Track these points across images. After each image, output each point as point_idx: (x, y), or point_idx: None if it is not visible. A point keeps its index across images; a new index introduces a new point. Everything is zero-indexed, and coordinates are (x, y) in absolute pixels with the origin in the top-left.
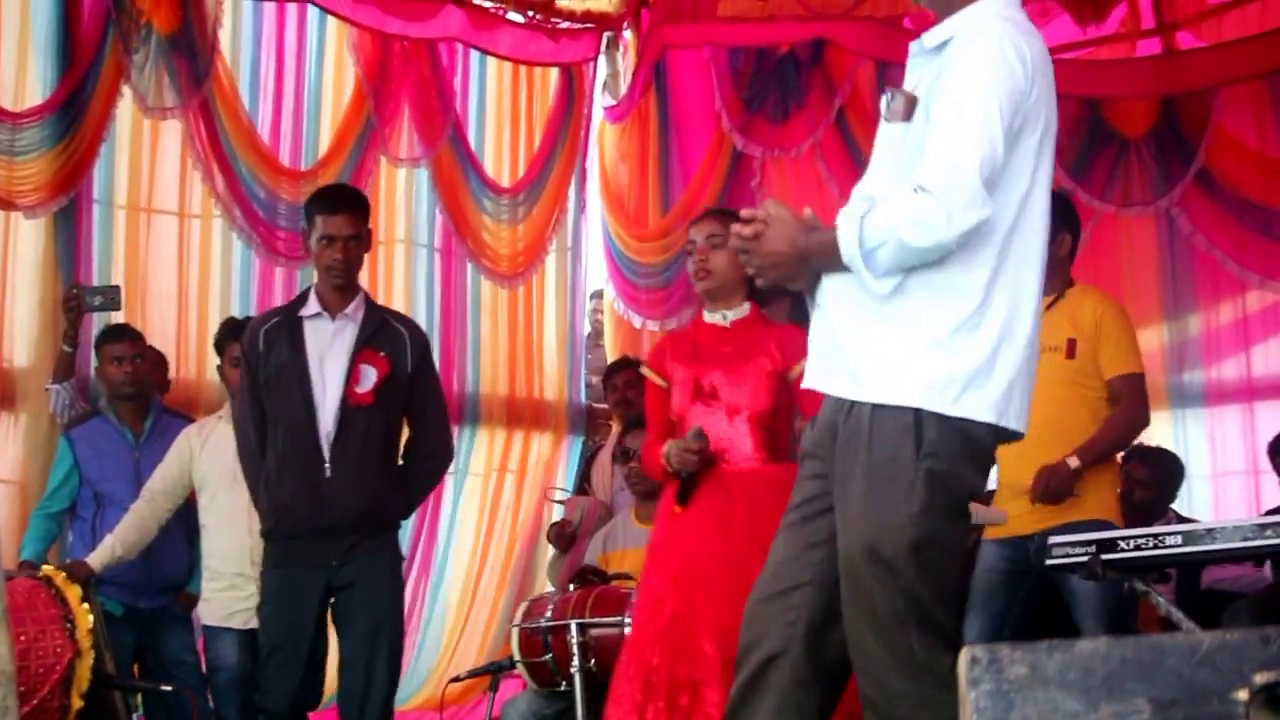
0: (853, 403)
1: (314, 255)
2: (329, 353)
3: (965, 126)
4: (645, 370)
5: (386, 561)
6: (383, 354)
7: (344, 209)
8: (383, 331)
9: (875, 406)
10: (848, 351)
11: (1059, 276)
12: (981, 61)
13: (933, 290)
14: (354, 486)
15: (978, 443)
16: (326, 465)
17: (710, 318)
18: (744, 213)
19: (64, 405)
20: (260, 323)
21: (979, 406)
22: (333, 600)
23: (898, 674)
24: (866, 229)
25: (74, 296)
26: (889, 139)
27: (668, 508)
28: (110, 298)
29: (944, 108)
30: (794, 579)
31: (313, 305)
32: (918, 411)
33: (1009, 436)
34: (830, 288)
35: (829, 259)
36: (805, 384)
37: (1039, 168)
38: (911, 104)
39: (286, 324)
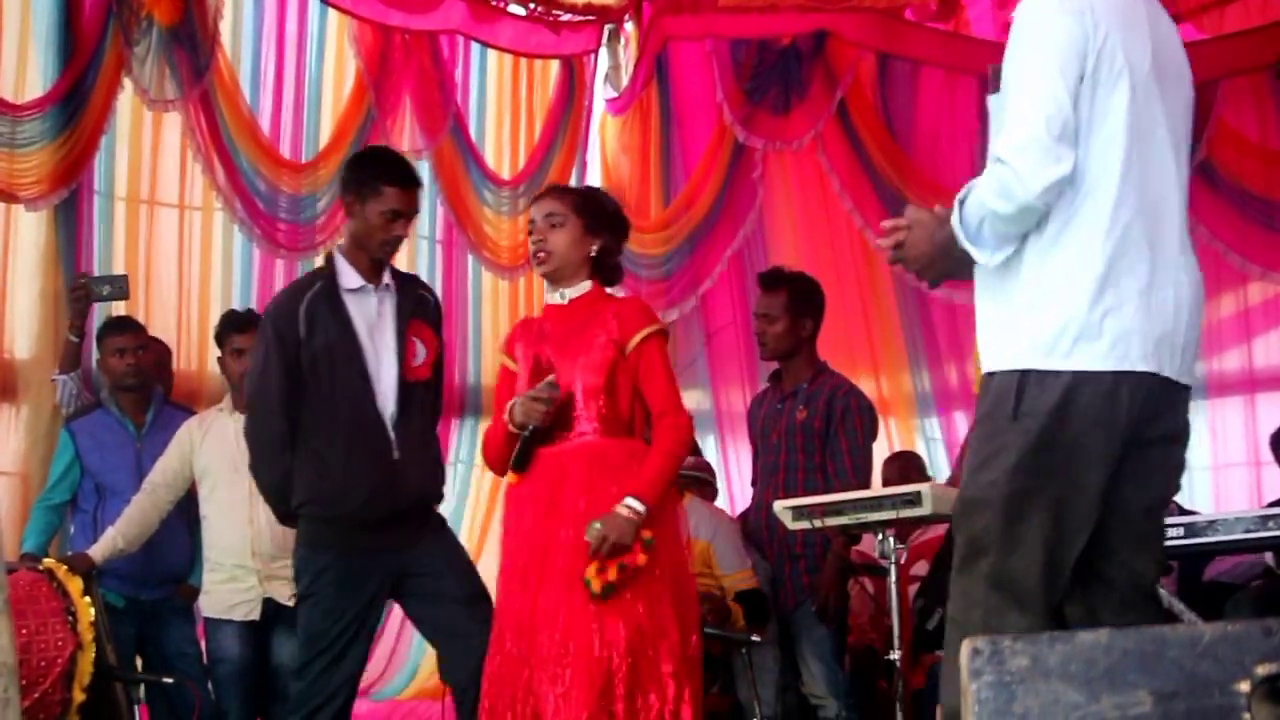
0: (988, 374)
1: (366, 224)
2: (378, 327)
3: (1026, 88)
4: (501, 356)
5: (451, 534)
6: (427, 325)
7: (416, 185)
8: (420, 302)
9: (989, 375)
10: (982, 329)
11: None
12: (1035, 21)
13: (1039, 252)
14: (422, 466)
15: (1101, 396)
16: (394, 447)
17: (550, 298)
18: (885, 224)
19: (70, 396)
20: (293, 300)
21: (1093, 356)
22: (398, 583)
23: (968, 629)
24: (966, 210)
25: (81, 286)
26: (993, 112)
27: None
28: (118, 287)
29: (1009, 76)
30: None
31: (352, 277)
32: (1024, 373)
33: (1161, 382)
34: (976, 274)
35: (960, 244)
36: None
37: (1134, 111)
38: (998, 75)
39: (327, 299)
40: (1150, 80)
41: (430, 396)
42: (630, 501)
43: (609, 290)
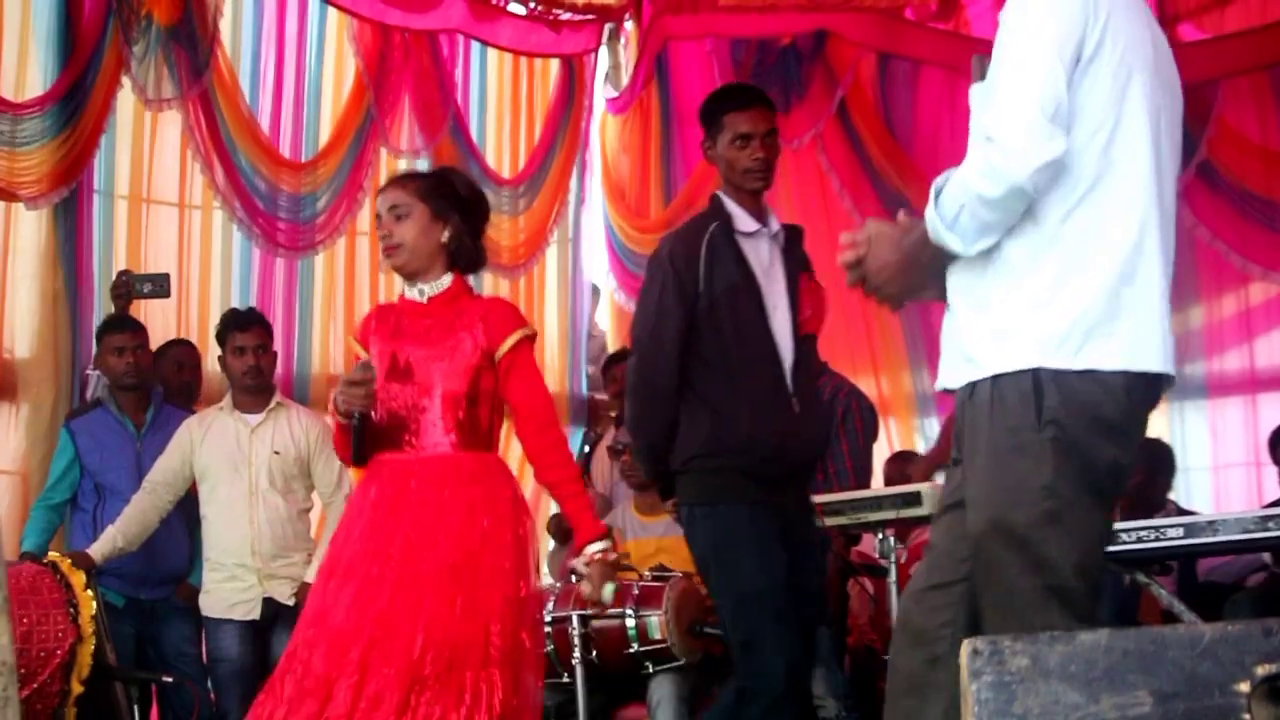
0: (973, 384)
1: (726, 161)
2: (770, 273)
3: (1017, 67)
4: (349, 340)
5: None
6: (811, 278)
7: (756, 102)
8: (802, 246)
9: (993, 379)
10: (962, 337)
11: None
12: (1026, 2)
13: (1029, 244)
14: (817, 423)
15: (1114, 398)
16: (794, 401)
17: (409, 294)
18: (843, 238)
19: (104, 390)
20: (693, 239)
21: (1105, 353)
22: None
23: None
24: (943, 200)
25: (124, 283)
26: (974, 104)
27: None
28: (159, 285)
29: (999, 58)
30: (952, 573)
31: (745, 220)
32: (1036, 373)
33: (1162, 382)
34: (951, 282)
35: (931, 247)
36: (937, 386)
37: (1128, 98)
38: (984, 66)
39: (726, 239)
40: (1141, 69)
41: (815, 352)
42: (595, 547)
43: (470, 280)
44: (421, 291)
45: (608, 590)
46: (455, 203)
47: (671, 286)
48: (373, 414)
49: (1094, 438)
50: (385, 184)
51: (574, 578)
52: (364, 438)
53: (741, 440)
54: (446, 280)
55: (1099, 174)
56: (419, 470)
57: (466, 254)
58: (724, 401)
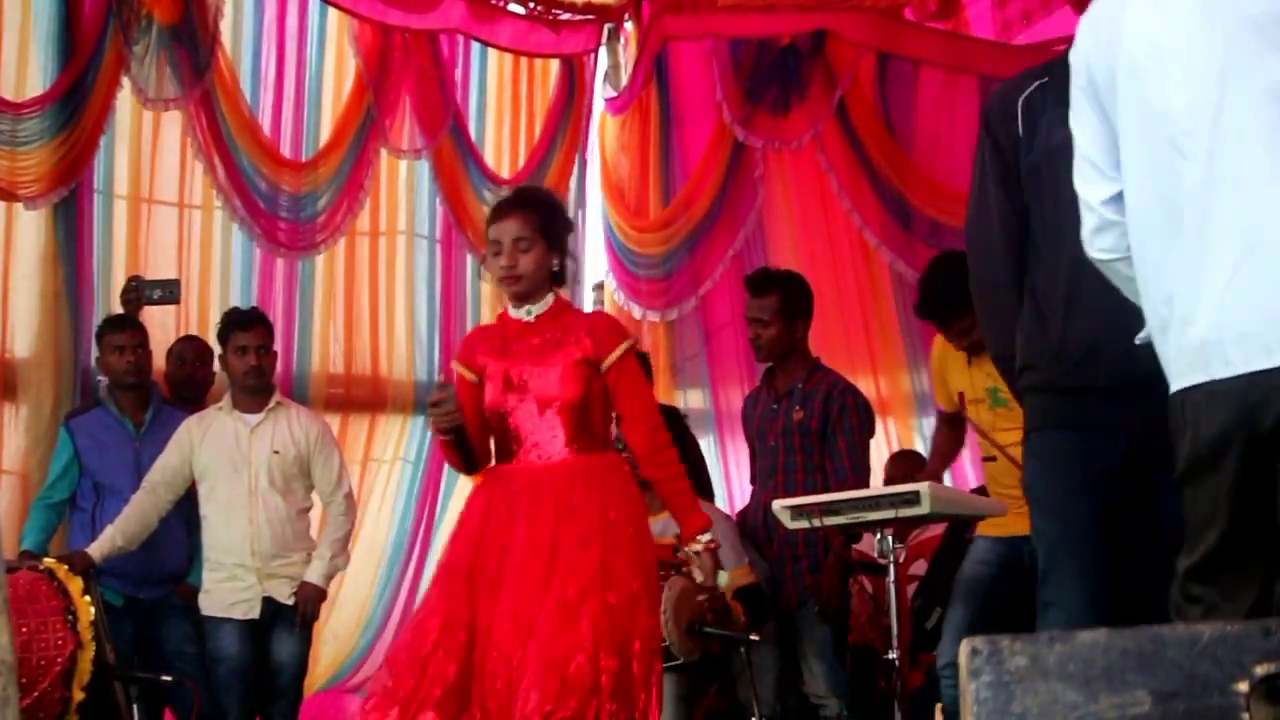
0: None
1: None
2: None
3: None
4: (456, 365)
5: None
6: None
7: None
8: None
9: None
10: None
11: None
12: None
13: None
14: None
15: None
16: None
17: (515, 314)
18: None
19: (103, 389)
20: (1015, 90)
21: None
22: None
23: None
24: None
25: (134, 289)
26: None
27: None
28: (169, 291)
29: None
30: None
31: None
32: None
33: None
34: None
35: None
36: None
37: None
38: None
39: (1059, 89)
40: (1127, 77)
41: None
42: (706, 536)
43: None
44: (529, 311)
45: (722, 577)
46: (563, 235)
47: (994, 147)
48: (464, 426)
49: None
50: (505, 209)
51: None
52: (468, 450)
53: (1054, 342)
54: (550, 299)
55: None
56: (545, 478)
57: (564, 272)
58: (1047, 293)
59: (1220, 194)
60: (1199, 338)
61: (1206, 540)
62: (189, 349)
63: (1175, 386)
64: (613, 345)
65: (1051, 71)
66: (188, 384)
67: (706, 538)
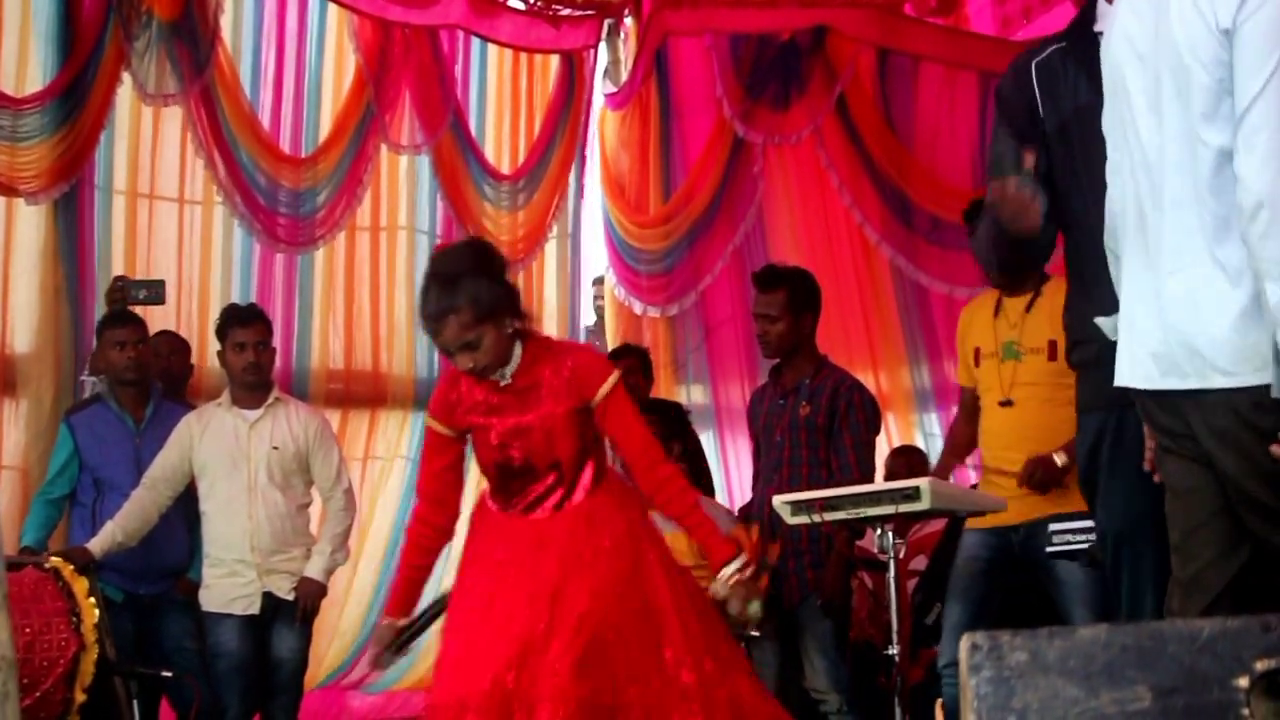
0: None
1: None
2: None
3: None
4: (429, 420)
5: None
6: None
7: None
8: None
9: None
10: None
11: (1034, 275)
12: None
13: None
14: None
15: None
16: None
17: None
18: None
19: (103, 385)
20: (1028, 56)
21: None
22: None
23: None
24: None
25: (119, 289)
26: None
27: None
28: (155, 291)
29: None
30: None
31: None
32: None
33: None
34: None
35: None
36: None
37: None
38: None
39: (1078, 52)
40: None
41: None
42: (732, 566)
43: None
44: (503, 375)
45: (753, 607)
46: (508, 299)
47: (1006, 111)
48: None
49: None
50: (436, 316)
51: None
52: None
53: (1081, 313)
54: (518, 353)
55: None
56: (566, 524)
57: (523, 318)
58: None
59: None
60: None
61: None
62: (163, 343)
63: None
64: (598, 385)
65: (1069, 37)
66: (164, 378)
67: (729, 571)
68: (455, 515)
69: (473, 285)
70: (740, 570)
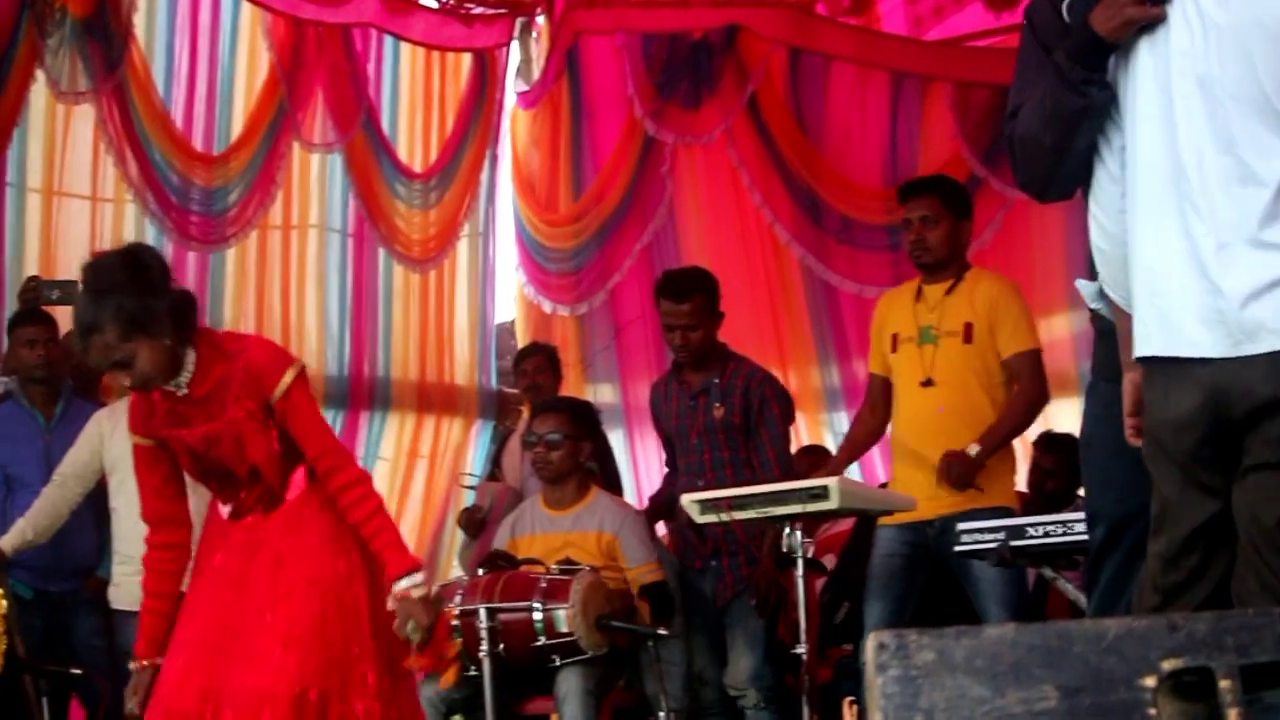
0: None
1: None
2: None
3: None
4: (133, 436)
5: None
6: None
7: None
8: None
9: None
10: None
11: (956, 262)
12: None
13: None
14: None
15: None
16: None
17: (169, 387)
18: None
19: (13, 383)
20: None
21: None
22: None
23: None
24: None
25: (32, 289)
26: None
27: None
28: (68, 292)
29: None
30: None
31: None
32: None
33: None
34: None
35: None
36: None
37: None
38: None
39: None
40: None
41: None
42: (406, 581)
43: (202, 330)
44: (179, 385)
45: (410, 628)
46: (159, 307)
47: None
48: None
49: None
50: (77, 338)
51: (480, 571)
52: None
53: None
54: (191, 360)
55: None
56: (276, 527)
57: (180, 324)
58: None
59: None
60: None
61: None
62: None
63: None
64: (273, 383)
65: None
66: (75, 376)
67: (402, 585)
68: (188, 526)
69: (117, 301)
70: (409, 589)
